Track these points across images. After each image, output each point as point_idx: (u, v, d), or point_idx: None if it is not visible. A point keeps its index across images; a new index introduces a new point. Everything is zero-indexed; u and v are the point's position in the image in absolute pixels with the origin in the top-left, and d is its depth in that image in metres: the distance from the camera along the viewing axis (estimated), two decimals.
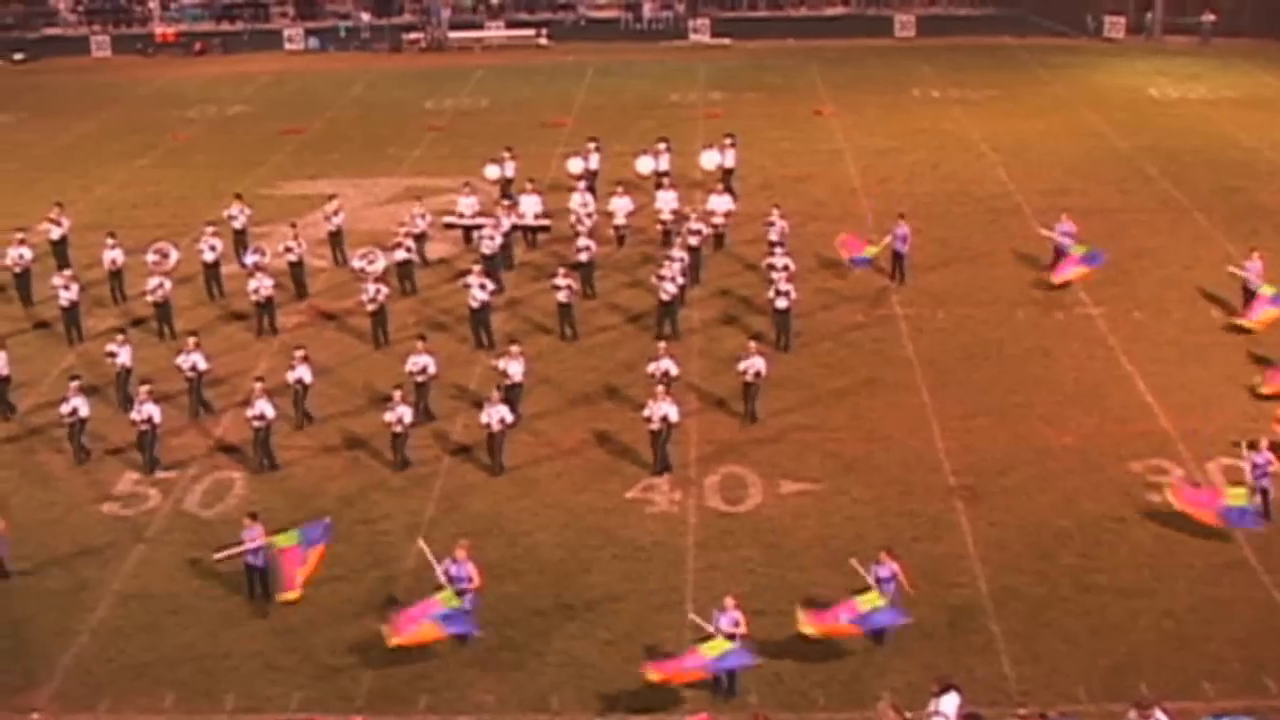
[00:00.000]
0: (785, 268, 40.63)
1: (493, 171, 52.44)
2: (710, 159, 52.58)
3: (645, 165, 51.83)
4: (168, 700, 26.31)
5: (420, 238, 46.67)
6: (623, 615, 28.05)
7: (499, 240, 44.63)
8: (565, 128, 60.52)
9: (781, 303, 39.53)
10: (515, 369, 35.96)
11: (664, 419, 33.07)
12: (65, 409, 34.68)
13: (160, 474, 34.24)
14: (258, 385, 34.56)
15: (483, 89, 75.64)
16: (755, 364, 35.61)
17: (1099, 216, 48.28)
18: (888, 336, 40.74)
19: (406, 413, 34.07)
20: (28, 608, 29.29)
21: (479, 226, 47.75)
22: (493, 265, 43.45)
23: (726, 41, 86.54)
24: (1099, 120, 63.75)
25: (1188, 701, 25.07)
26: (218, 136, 67.36)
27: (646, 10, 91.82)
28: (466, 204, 48.98)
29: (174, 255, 44.00)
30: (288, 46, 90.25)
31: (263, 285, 41.63)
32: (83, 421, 34.89)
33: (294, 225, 45.74)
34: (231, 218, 47.30)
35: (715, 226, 46.82)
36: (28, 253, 44.82)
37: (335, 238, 47.31)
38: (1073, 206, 47.47)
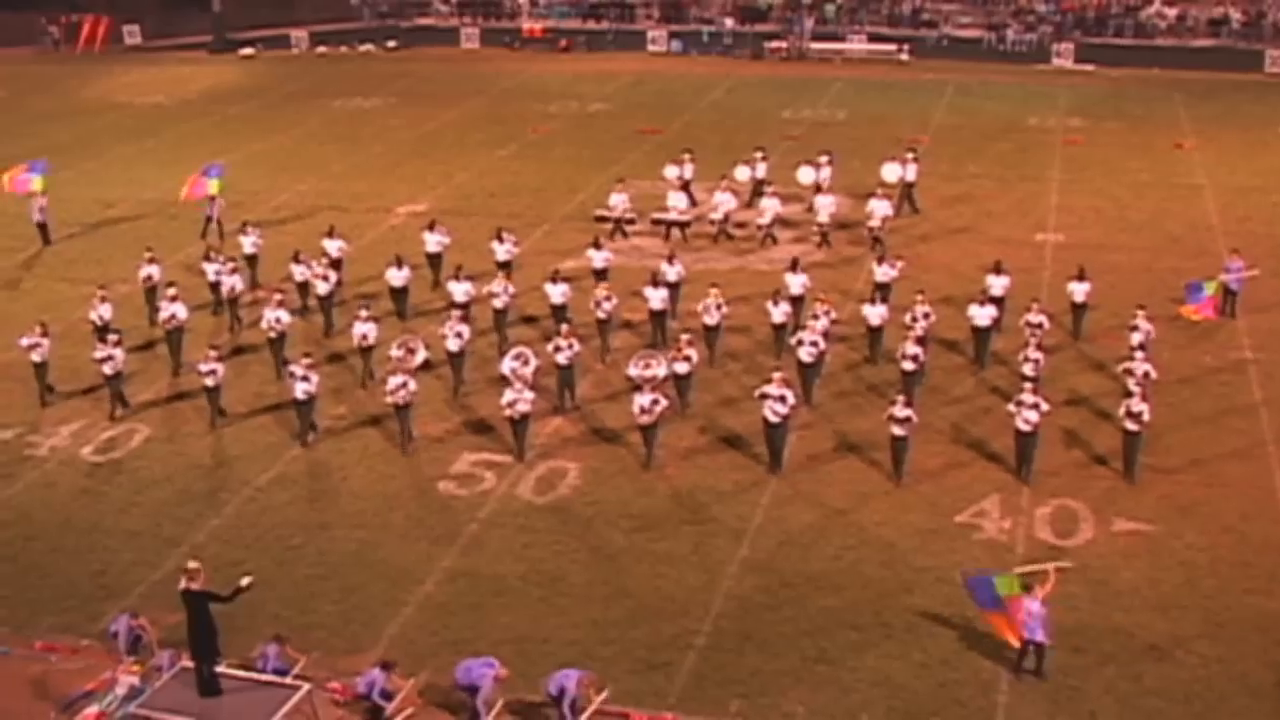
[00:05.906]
0: (1146, 375, 35.78)
1: (742, 173, 53.41)
2: (892, 171, 53.39)
3: (806, 176, 53.02)
4: None
5: (714, 330, 40.30)
6: (940, 639, 27.84)
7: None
8: (921, 145, 60.05)
9: (1131, 425, 33.75)
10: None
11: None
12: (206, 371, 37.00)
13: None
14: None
15: (841, 101, 75.65)
16: (1032, 416, 33.62)
17: None
18: (1236, 380, 39.58)
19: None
20: (360, 576, 30.41)
21: (630, 221, 49.98)
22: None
23: (1090, 68, 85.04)
24: None
25: None
26: (577, 132, 68.92)
27: (1010, 32, 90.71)
28: (618, 200, 50.45)
29: (421, 353, 38.00)
30: (650, 48, 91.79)
31: (521, 399, 34.92)
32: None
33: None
34: (493, 295, 41.57)
35: (871, 229, 49.00)
36: (238, 282, 43.28)
37: (603, 325, 40.76)
38: None
